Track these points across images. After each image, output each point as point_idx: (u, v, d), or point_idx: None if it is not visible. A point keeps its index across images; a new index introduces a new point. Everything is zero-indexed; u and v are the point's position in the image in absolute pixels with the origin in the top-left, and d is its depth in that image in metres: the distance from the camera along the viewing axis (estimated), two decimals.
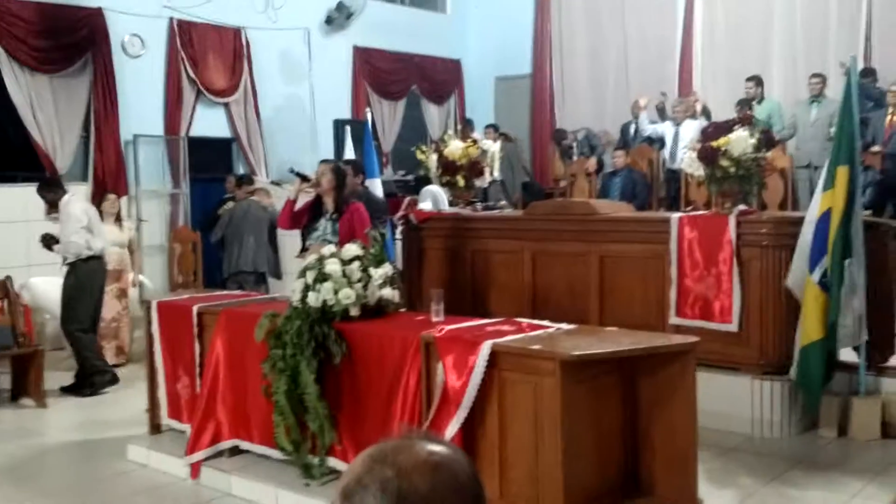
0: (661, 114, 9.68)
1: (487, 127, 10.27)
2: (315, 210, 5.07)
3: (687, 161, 5.08)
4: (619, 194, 8.51)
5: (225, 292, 5.53)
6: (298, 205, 5.14)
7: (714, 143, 4.90)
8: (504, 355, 3.36)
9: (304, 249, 5.06)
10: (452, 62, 12.43)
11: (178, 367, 4.71)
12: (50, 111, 8.14)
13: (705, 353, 4.34)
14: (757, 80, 8.89)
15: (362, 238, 4.56)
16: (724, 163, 4.87)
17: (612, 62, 11.29)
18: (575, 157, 10.37)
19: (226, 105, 9.67)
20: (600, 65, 11.39)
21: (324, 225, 5.01)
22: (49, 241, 6.31)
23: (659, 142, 9.33)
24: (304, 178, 5.16)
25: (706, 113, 9.32)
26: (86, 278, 6.30)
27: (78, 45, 8.29)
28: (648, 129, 9.28)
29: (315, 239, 4.95)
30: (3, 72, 7.83)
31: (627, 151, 9.05)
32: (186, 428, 4.64)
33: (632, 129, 9.89)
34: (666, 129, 9.09)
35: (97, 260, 6.35)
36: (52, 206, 6.33)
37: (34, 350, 6.12)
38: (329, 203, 5.03)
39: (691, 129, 8.15)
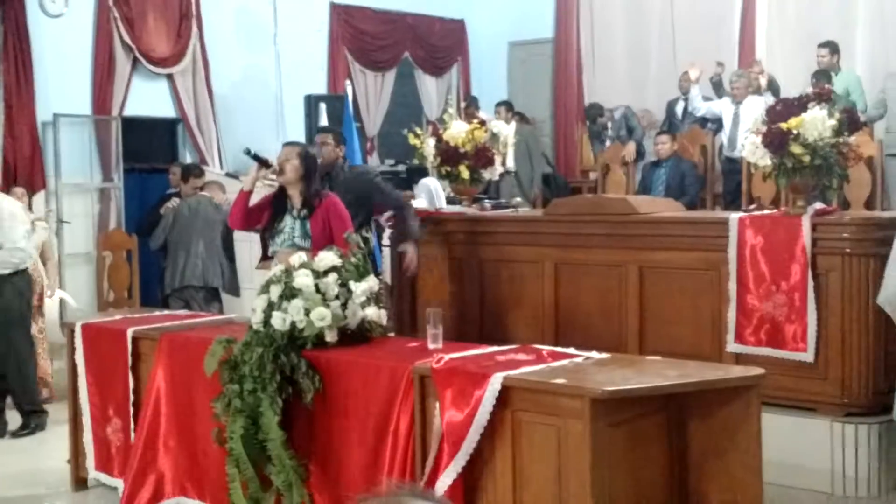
0: (717, 89, 9.70)
1: (499, 105, 10.30)
2: (278, 205, 5.01)
3: (749, 148, 5.09)
4: (663, 189, 8.52)
5: (167, 312, 5.54)
6: (255, 198, 5.05)
7: (783, 125, 4.91)
8: (519, 391, 3.36)
9: (266, 257, 5.05)
10: (455, 23, 12.47)
11: (109, 407, 4.72)
12: None
13: (773, 390, 4.34)
14: (832, 48, 8.92)
15: (340, 243, 4.55)
16: (796, 150, 4.87)
17: (655, 24, 11.32)
18: (608, 143, 10.39)
19: (169, 77, 9.69)
20: (641, 27, 11.42)
21: (290, 225, 4.94)
22: None
23: (714, 124, 9.34)
24: (263, 163, 5.06)
25: (773, 88, 9.35)
26: (28, 294, 6.44)
27: None
28: (701, 107, 9.28)
29: (280, 244, 4.90)
30: None
31: (674, 136, 9.07)
32: (118, 483, 4.64)
33: (679, 109, 9.91)
34: (723, 107, 9.10)
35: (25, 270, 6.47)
36: None
37: None
38: (296, 197, 4.96)
39: (755, 108, 8.16)
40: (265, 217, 5.03)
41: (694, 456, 3.54)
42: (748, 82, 9.01)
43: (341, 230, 4.81)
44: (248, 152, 5.28)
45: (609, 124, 10.70)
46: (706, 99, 9.43)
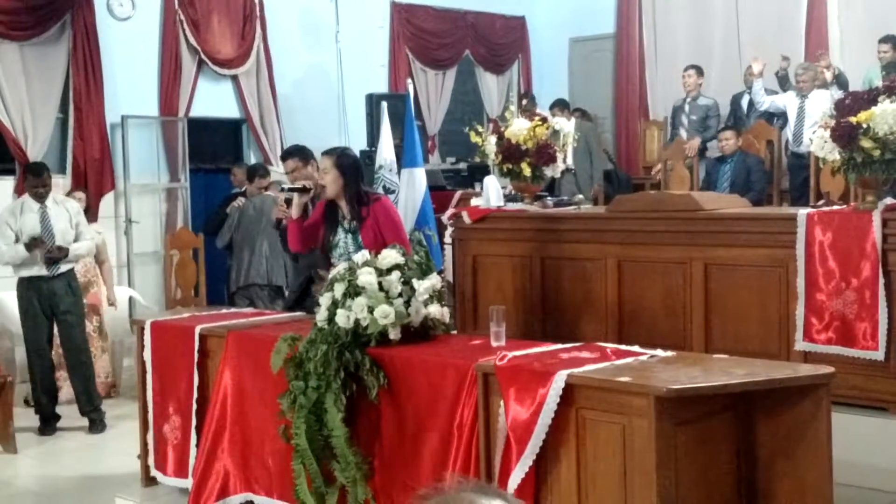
0: (783, 83, 9.55)
1: (553, 105, 10.24)
2: (330, 218, 4.97)
3: (817, 142, 5.00)
4: (728, 185, 8.42)
5: (233, 310, 5.61)
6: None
7: (853, 119, 4.82)
8: (583, 389, 3.34)
9: (330, 264, 5.03)
10: (515, 20, 12.45)
11: (169, 405, 4.78)
12: (20, 87, 8.35)
13: (843, 389, 4.26)
14: (894, 42, 8.73)
15: (395, 242, 4.55)
16: (866, 144, 4.78)
17: (719, 17, 11.18)
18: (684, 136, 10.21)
19: (234, 78, 9.82)
20: (705, 21, 11.29)
21: (343, 239, 4.93)
22: (42, 247, 6.46)
23: (780, 118, 9.20)
24: (301, 190, 5.01)
25: (841, 81, 9.17)
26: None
27: (54, 6, 8.50)
28: (764, 101, 9.13)
29: (338, 258, 4.88)
30: None
31: (739, 131, 8.95)
32: (171, 482, 4.71)
33: (745, 103, 9.78)
34: (788, 101, 8.96)
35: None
36: (40, 199, 6.57)
37: (2, 382, 6.28)
38: (344, 207, 4.93)
39: (821, 102, 8.02)
40: (321, 231, 5.02)
41: (762, 456, 3.49)
42: (814, 75, 8.85)
43: (394, 236, 4.78)
44: (282, 189, 5.27)
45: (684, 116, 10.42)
46: (770, 93, 9.29)
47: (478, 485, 1.21)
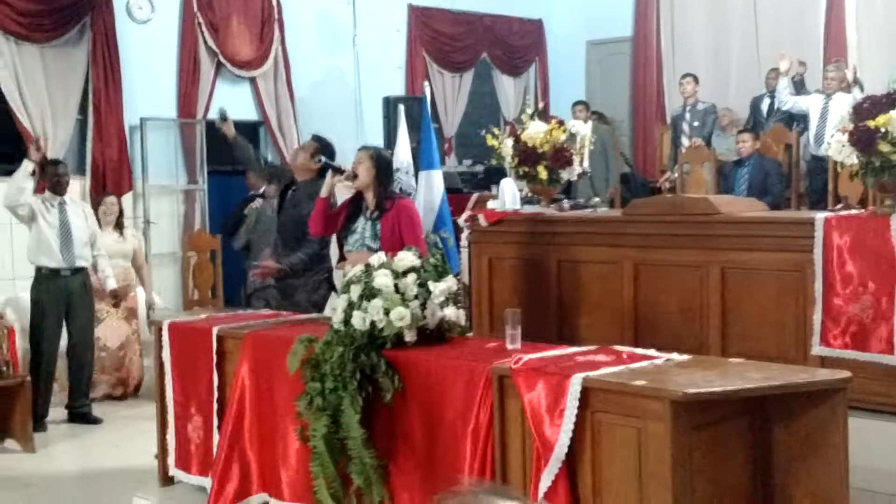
0: (800, 88, 9.50)
1: (577, 104, 10.25)
2: (354, 208, 5.15)
3: (835, 146, 4.98)
4: (746, 188, 8.39)
5: (250, 311, 5.63)
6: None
7: (871, 123, 4.79)
8: (598, 393, 3.34)
9: (342, 258, 5.13)
10: (533, 23, 12.44)
11: (191, 404, 4.81)
12: (40, 88, 8.40)
13: (860, 394, 4.23)
14: None
15: (412, 242, 4.58)
16: (884, 148, 4.75)
17: (737, 20, 11.14)
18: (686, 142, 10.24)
19: (252, 80, 9.86)
20: (722, 24, 11.26)
21: (362, 226, 5.07)
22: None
23: (800, 122, 9.15)
24: (336, 170, 5.19)
25: (858, 84, 9.13)
26: None
27: (74, 8, 8.55)
28: (788, 100, 9.03)
29: (353, 244, 5.02)
30: None
31: (756, 134, 8.93)
32: (195, 480, 4.73)
33: (765, 106, 9.75)
34: (811, 102, 8.88)
35: None
36: (60, 191, 6.70)
37: (20, 382, 6.33)
38: (370, 199, 5.09)
39: (844, 105, 8.00)
40: (341, 220, 5.12)
41: (778, 461, 3.48)
42: (842, 77, 8.80)
43: (410, 234, 4.90)
44: (319, 161, 5.36)
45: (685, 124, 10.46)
46: (795, 92, 9.22)
47: (494, 487, 1.22)
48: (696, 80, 10.00)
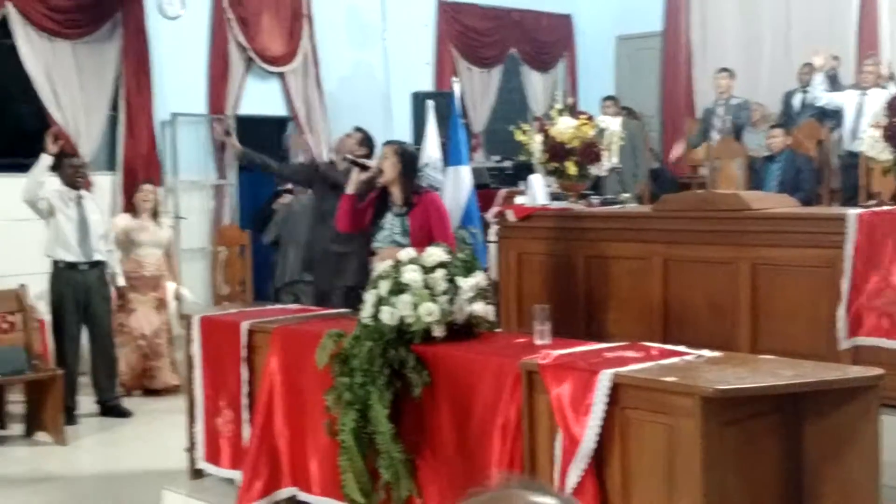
0: (833, 84, 9.40)
1: (606, 99, 10.20)
2: (381, 203, 5.14)
3: (868, 142, 4.94)
4: (777, 184, 8.32)
5: (279, 306, 5.66)
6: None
7: None
8: (628, 389, 3.33)
9: (371, 253, 5.13)
10: (561, 18, 12.40)
11: (220, 398, 4.83)
12: (72, 84, 8.46)
13: (893, 391, 4.19)
14: None
15: (441, 237, 4.58)
16: None
17: (768, 15, 11.04)
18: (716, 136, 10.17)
19: (281, 76, 9.89)
20: (753, 19, 11.16)
21: (390, 221, 5.07)
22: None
23: (832, 118, 9.06)
24: (361, 167, 5.21)
25: (894, 79, 9.03)
26: None
27: (106, 5, 8.61)
28: (823, 96, 8.94)
29: (382, 240, 5.02)
30: (15, 37, 8.15)
31: (787, 130, 8.85)
32: (225, 474, 4.76)
33: (797, 101, 9.66)
34: (846, 98, 8.78)
35: None
36: (77, 185, 6.78)
37: (52, 375, 6.39)
38: (397, 194, 5.08)
39: (879, 100, 7.91)
40: (369, 216, 5.12)
41: (809, 458, 3.45)
42: (879, 71, 8.70)
43: (440, 228, 4.90)
44: (345, 158, 5.40)
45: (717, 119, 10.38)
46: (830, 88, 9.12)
47: (526, 481, 1.21)
48: (731, 74, 9.88)
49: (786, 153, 8.53)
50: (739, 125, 9.70)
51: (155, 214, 7.59)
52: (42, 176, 6.63)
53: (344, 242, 6.10)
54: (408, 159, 5.12)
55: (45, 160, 6.67)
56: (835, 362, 4.57)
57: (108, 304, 6.98)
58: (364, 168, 5.19)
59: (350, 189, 5.19)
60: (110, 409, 6.85)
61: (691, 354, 3.62)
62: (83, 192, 6.89)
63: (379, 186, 5.18)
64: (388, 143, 5.34)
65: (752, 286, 5.25)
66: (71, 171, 6.80)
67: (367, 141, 5.99)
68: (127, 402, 7.11)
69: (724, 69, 9.95)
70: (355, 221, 5.22)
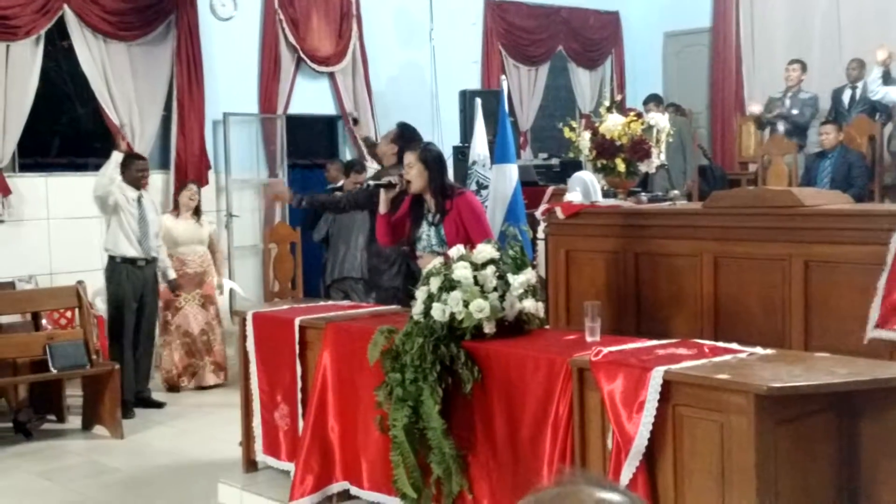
0: (886, 79, 9.23)
1: (648, 101, 10.10)
2: (416, 212, 5.01)
3: None
4: (828, 181, 8.19)
5: (329, 303, 5.68)
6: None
7: None
8: (680, 386, 3.30)
9: (415, 257, 5.08)
10: (609, 15, 12.32)
11: (277, 393, 4.87)
12: (127, 85, 8.58)
13: None
14: None
15: (479, 237, 4.54)
16: None
17: (819, 10, 10.88)
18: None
19: (331, 76, 9.94)
20: (804, 14, 11.00)
21: (427, 232, 4.95)
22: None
23: (883, 113, 8.90)
24: (387, 186, 5.05)
25: None
26: None
27: (160, 7, 8.72)
28: (879, 91, 8.77)
29: (422, 250, 4.95)
30: (73, 38, 8.29)
31: (839, 126, 8.70)
32: (284, 466, 4.79)
33: (846, 97, 9.49)
34: None
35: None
36: (139, 186, 6.93)
37: (109, 370, 6.48)
38: (430, 200, 4.95)
39: None
40: (408, 225, 5.05)
41: (864, 457, 3.39)
42: None
43: (477, 227, 4.79)
44: (368, 186, 5.34)
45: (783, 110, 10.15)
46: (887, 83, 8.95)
47: (590, 477, 1.20)
48: (804, 67, 9.70)
49: (838, 149, 8.40)
50: (804, 122, 9.49)
51: (196, 212, 7.70)
52: (115, 173, 6.79)
53: (385, 259, 6.13)
54: (432, 162, 4.89)
55: (117, 157, 6.85)
56: (888, 360, 4.50)
57: (157, 300, 7.12)
58: (391, 187, 5.05)
59: (382, 209, 5.05)
60: (143, 400, 7.02)
61: (744, 352, 3.58)
62: (143, 192, 7.02)
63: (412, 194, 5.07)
64: (410, 150, 5.02)
65: (805, 283, 5.17)
66: (137, 173, 6.95)
67: (401, 136, 5.91)
68: (176, 397, 7.29)
69: (796, 60, 9.75)
70: (395, 235, 5.12)
